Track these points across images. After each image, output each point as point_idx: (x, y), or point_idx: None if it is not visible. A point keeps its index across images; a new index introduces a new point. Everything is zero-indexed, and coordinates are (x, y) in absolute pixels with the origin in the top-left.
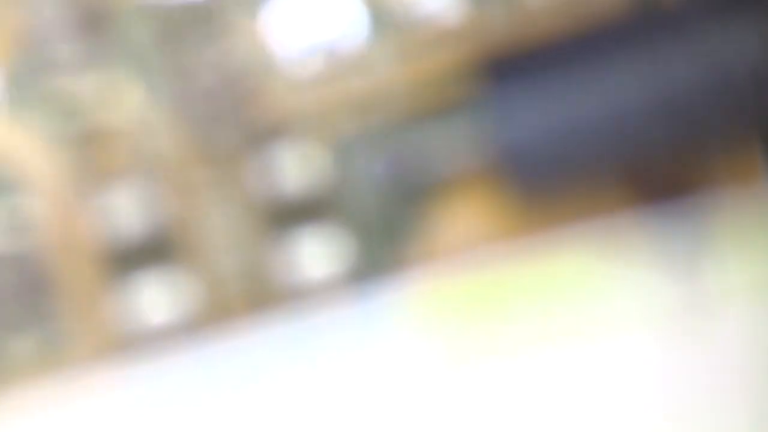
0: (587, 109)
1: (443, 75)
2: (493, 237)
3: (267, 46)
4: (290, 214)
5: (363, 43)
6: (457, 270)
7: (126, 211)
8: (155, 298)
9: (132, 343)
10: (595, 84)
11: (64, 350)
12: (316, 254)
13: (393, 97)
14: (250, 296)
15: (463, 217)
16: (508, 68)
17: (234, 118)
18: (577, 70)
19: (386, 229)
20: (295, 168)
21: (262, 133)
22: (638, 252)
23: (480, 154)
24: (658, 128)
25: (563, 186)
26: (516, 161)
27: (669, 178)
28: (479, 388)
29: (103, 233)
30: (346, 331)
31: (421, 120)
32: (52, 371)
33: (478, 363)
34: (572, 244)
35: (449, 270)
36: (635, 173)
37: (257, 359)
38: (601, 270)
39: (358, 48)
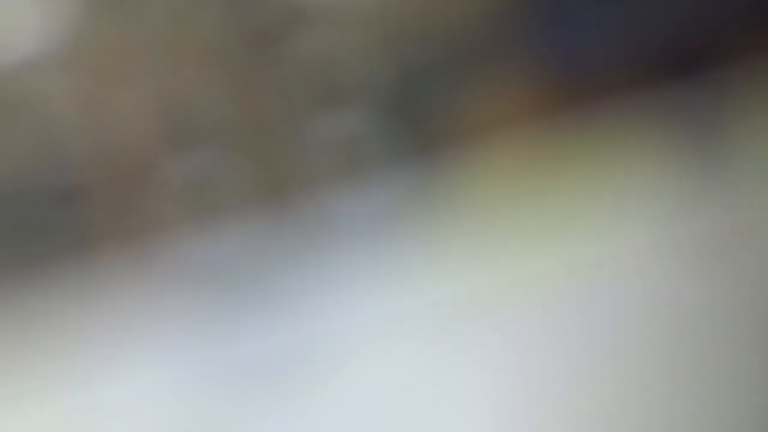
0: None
1: None
2: (530, 115)
3: None
4: (326, 99)
5: None
6: (494, 149)
7: (177, 95)
8: (210, 177)
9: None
10: None
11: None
12: (346, 137)
13: None
14: (291, 177)
15: (500, 98)
16: None
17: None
18: None
19: (421, 107)
20: (328, 51)
21: (298, 17)
22: (665, 126)
23: (520, 40)
24: (686, 4)
25: (599, 66)
26: (555, 42)
27: (697, 54)
28: (504, 289)
29: (159, 116)
30: (376, 217)
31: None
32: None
33: (505, 262)
34: (607, 120)
35: (485, 150)
36: (666, 50)
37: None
38: (630, 152)
39: None
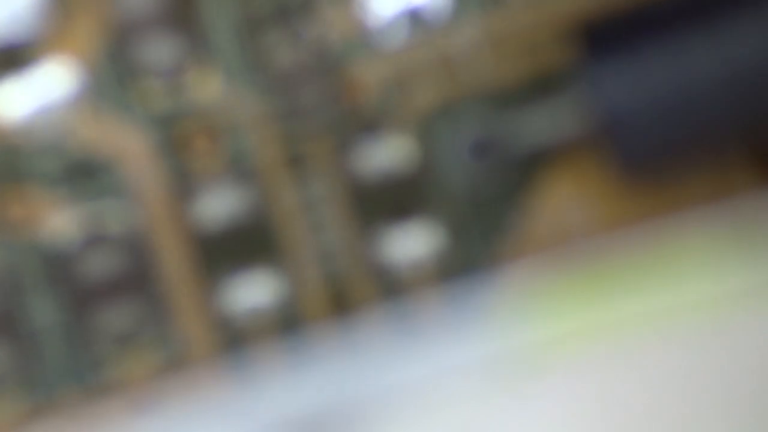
0: (698, 72)
1: (535, 41)
2: (598, 224)
3: (354, 26)
4: (378, 205)
5: (450, 10)
6: (559, 263)
7: (219, 208)
8: (248, 294)
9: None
10: (705, 44)
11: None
12: (406, 247)
13: (482, 67)
14: (343, 291)
15: (564, 203)
16: (606, 31)
17: (322, 108)
18: (683, 28)
19: (481, 217)
20: (383, 154)
21: (351, 121)
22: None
23: (579, 130)
24: None
25: (676, 163)
26: (621, 135)
27: None
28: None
29: (198, 231)
30: (442, 330)
31: (513, 92)
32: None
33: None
34: (689, 230)
35: (551, 263)
36: (759, 145)
37: (357, 355)
38: (723, 264)
39: (445, 15)
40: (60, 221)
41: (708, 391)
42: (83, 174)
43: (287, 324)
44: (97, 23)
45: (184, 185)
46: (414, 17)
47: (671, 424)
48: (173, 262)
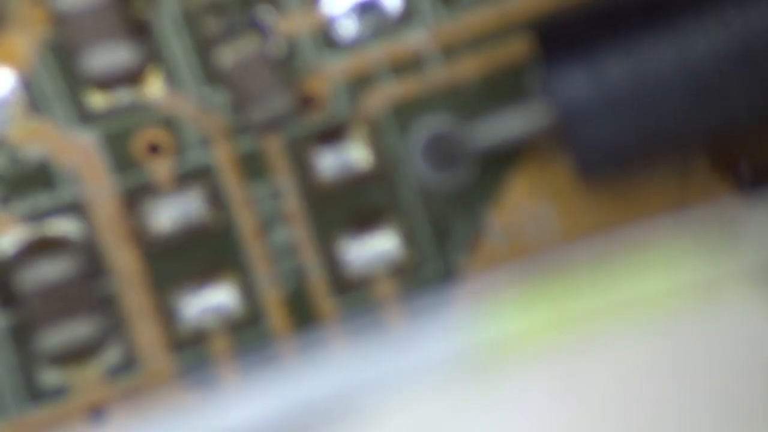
0: (656, 72)
1: (492, 39)
2: (559, 223)
3: (311, 22)
4: (337, 205)
5: (405, 6)
6: (520, 261)
7: (171, 214)
8: (204, 300)
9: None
10: (664, 42)
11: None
12: (366, 248)
13: (439, 66)
14: (302, 293)
15: (523, 202)
16: (560, 29)
17: (277, 107)
18: (641, 26)
19: (439, 215)
20: (341, 154)
21: (307, 122)
22: (725, 253)
23: (538, 129)
24: (742, 93)
25: (633, 163)
26: (576, 135)
27: (760, 155)
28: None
29: (150, 237)
30: (404, 329)
31: (471, 91)
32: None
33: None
34: (648, 226)
35: (512, 261)
36: (718, 149)
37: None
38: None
39: (400, 12)
40: (4, 229)
41: (672, 382)
42: (30, 183)
43: (245, 329)
44: (34, 32)
45: (135, 191)
46: (369, 13)
47: (635, 415)
48: (125, 270)
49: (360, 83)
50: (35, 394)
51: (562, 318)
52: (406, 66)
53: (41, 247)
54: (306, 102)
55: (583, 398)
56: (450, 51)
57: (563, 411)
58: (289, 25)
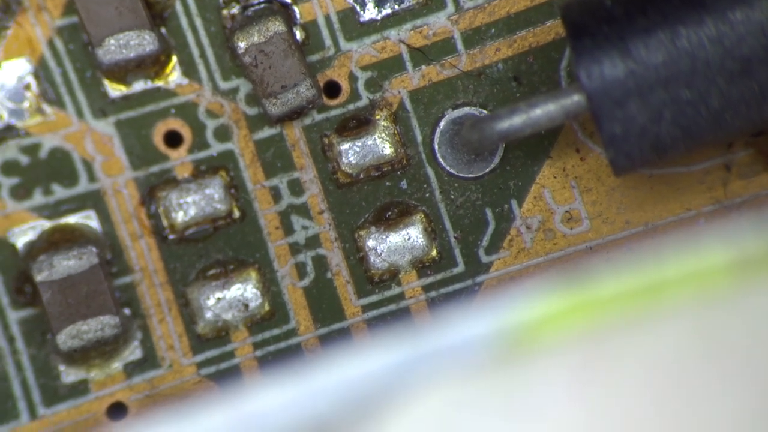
0: (694, 59)
1: (520, 21)
2: (592, 223)
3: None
4: (360, 194)
5: None
6: (546, 252)
7: (194, 208)
8: (224, 295)
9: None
10: (700, 31)
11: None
12: (391, 239)
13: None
14: (328, 287)
15: (551, 191)
16: (591, 13)
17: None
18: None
19: (464, 203)
20: (366, 143)
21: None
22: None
23: (565, 116)
24: None
25: (671, 160)
26: (606, 123)
27: None
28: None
29: (170, 232)
30: (428, 317)
31: (500, 76)
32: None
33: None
34: (687, 232)
35: (543, 265)
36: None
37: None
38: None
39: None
40: (21, 222)
41: (706, 364)
42: (50, 176)
43: (265, 325)
44: (52, 21)
45: (154, 183)
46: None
47: (669, 399)
48: (143, 265)
49: (385, 70)
50: (57, 390)
51: (593, 303)
52: (433, 52)
53: (59, 240)
54: (329, 90)
55: (614, 383)
56: (478, 36)
57: (593, 397)
58: (311, 11)
